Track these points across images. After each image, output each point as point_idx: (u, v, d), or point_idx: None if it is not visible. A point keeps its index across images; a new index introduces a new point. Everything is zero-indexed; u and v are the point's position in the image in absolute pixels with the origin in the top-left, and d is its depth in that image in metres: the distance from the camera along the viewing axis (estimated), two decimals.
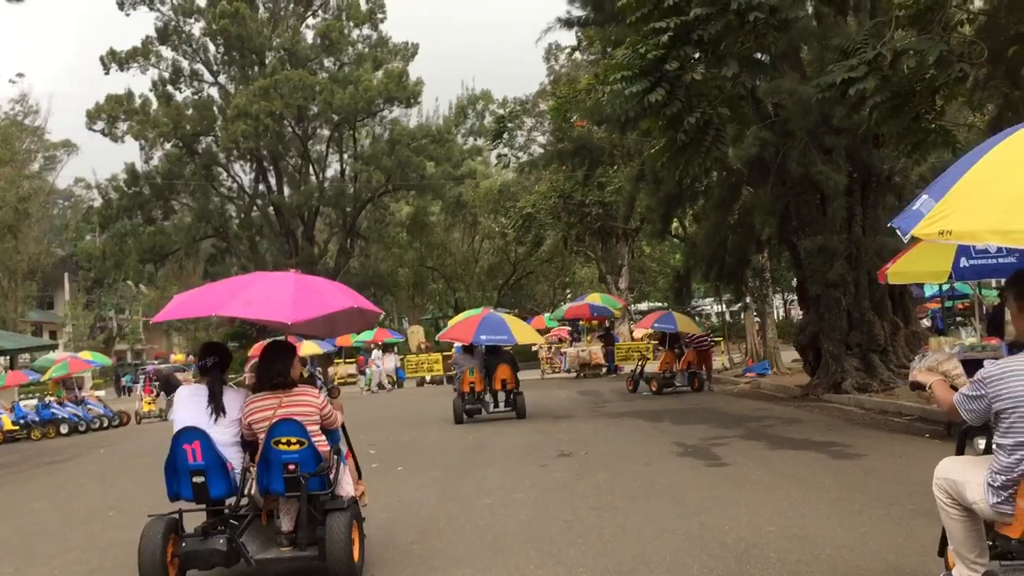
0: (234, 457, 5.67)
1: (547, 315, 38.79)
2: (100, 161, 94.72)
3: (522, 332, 17.18)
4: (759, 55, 11.84)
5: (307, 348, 28.73)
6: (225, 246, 49.50)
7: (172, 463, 5.59)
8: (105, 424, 23.81)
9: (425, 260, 52.14)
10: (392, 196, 50.10)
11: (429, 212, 50.32)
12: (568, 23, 21.72)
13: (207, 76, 48.45)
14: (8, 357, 30.12)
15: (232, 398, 5.80)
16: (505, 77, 71.91)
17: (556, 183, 32.58)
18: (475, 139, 51.30)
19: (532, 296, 57.20)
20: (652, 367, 22.71)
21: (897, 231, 3.66)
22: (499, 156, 41.24)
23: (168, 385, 25.56)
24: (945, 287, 27.30)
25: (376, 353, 32.45)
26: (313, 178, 48.96)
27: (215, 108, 46.83)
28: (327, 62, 48.01)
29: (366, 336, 31.99)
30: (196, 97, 47.81)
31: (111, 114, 44.99)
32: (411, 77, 45.85)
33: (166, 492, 5.70)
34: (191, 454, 5.50)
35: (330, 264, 48.97)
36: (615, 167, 28.64)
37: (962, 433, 4.14)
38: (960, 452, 4.14)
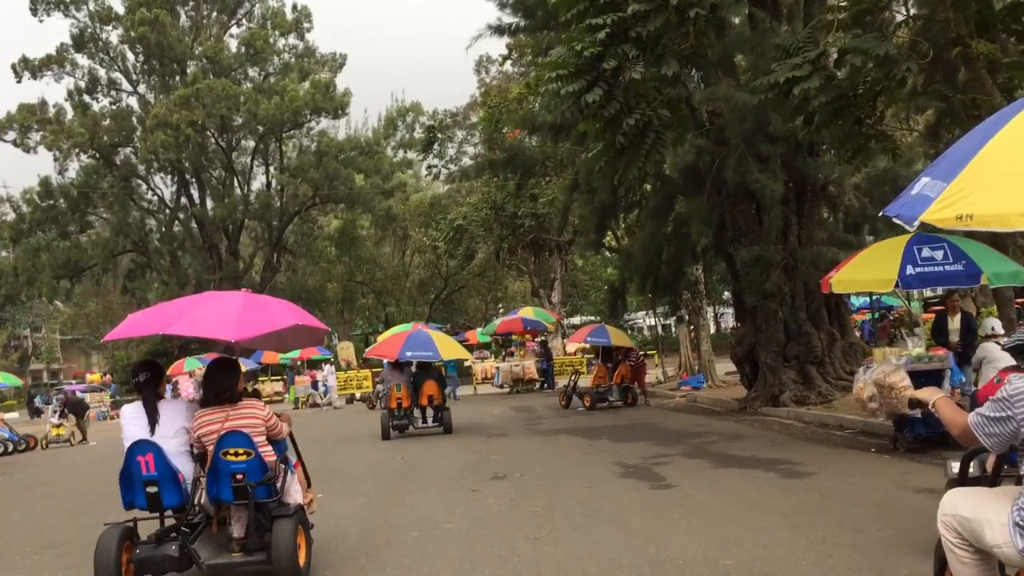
0: (184, 467, 5.93)
1: (479, 330, 38.09)
2: (15, 174, 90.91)
3: (449, 348, 17.16)
4: (697, 56, 11.35)
5: None
6: (145, 261, 47.66)
7: (127, 474, 5.84)
8: (10, 449, 22.33)
9: (354, 275, 50.95)
10: (320, 209, 48.89)
11: (358, 225, 49.20)
12: (499, 30, 21.20)
13: (125, 85, 46.74)
14: None
15: (174, 410, 6.05)
16: (436, 94, 71.34)
17: (488, 195, 31.96)
18: (405, 152, 50.38)
19: (464, 311, 56.41)
20: (584, 381, 22.23)
21: (896, 220, 3.07)
22: (429, 167, 40.55)
23: (78, 408, 24.23)
24: (875, 298, 27.56)
25: (328, 368, 31.29)
26: (238, 191, 47.45)
27: (134, 118, 45.14)
28: (252, 72, 46.68)
29: (293, 353, 30.83)
30: (114, 107, 46.03)
31: (23, 124, 43.03)
32: (339, 88, 44.90)
33: (121, 501, 5.91)
34: (144, 465, 5.76)
35: (256, 279, 47.50)
36: (548, 178, 28.16)
37: (966, 458, 3.55)
38: (963, 481, 3.54)
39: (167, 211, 47.73)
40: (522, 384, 29.96)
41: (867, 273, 10.51)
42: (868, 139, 11.61)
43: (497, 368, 31.15)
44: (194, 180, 46.79)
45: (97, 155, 44.00)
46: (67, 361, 75.84)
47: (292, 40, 47.39)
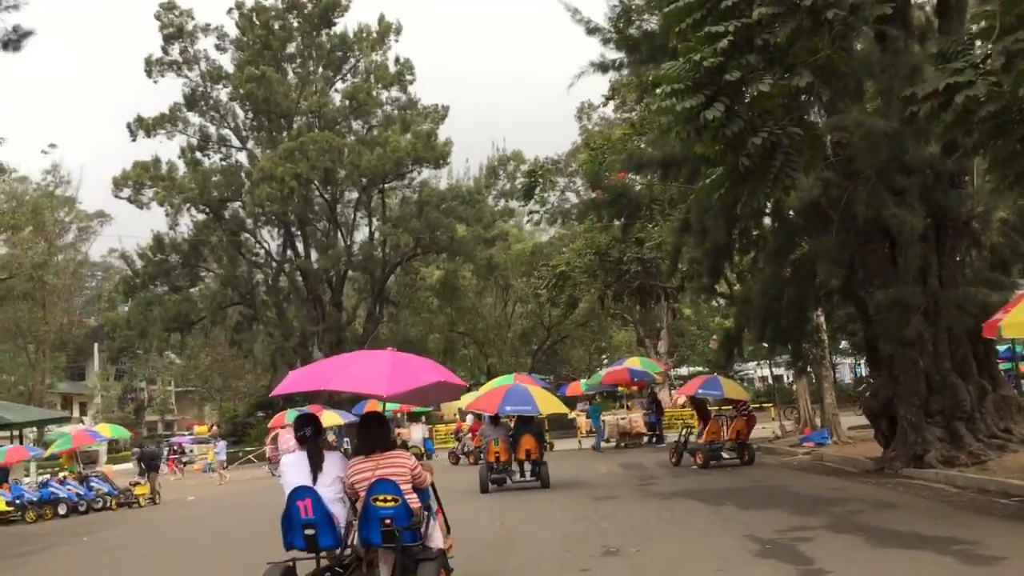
0: (339, 512, 6.39)
1: (583, 381, 36.75)
2: (137, 229, 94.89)
3: (547, 403, 17.30)
4: (831, 70, 9.96)
5: (328, 418, 27.01)
6: (252, 313, 48.09)
7: (288, 517, 6.33)
8: (110, 503, 22.04)
9: (456, 325, 50.41)
10: (422, 260, 48.56)
11: (460, 276, 48.65)
12: (602, 67, 20.20)
13: (235, 141, 47.83)
14: (20, 431, 28.53)
15: (333, 460, 6.50)
16: (538, 147, 71.00)
17: (591, 240, 30.79)
18: (506, 201, 49.80)
19: (567, 361, 55.17)
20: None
21: None
22: (530, 212, 39.83)
23: (151, 462, 23.70)
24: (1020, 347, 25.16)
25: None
26: (341, 242, 47.61)
27: (242, 173, 45.93)
28: (355, 124, 47.01)
29: (393, 405, 30.04)
30: (224, 163, 47.11)
31: (137, 180, 44.23)
32: (440, 138, 44.73)
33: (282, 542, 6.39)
34: (303, 510, 6.25)
35: (358, 330, 47.40)
36: (654, 223, 26.84)
37: None
38: None
39: (273, 264, 48.25)
40: (629, 438, 28.53)
41: None
42: None
43: (603, 421, 29.76)
44: (299, 232, 47.22)
45: (207, 210, 44.82)
46: (181, 412, 77.72)
47: (395, 93, 47.71)
